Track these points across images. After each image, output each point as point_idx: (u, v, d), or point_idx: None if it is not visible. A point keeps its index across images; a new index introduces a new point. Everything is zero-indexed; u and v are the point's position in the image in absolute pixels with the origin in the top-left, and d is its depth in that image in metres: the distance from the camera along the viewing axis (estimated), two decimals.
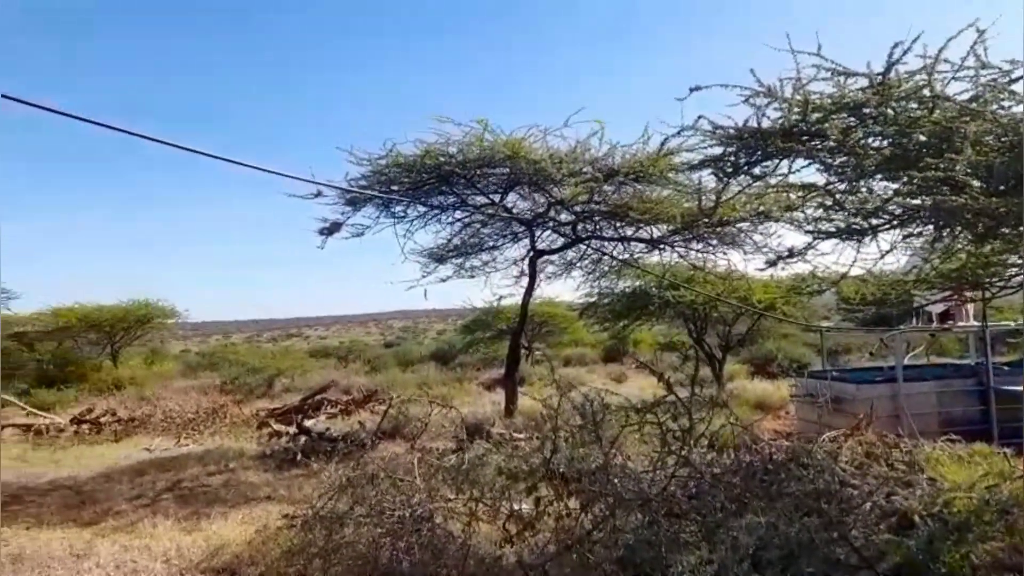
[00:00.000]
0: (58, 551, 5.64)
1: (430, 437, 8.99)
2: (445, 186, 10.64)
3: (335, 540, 4.68)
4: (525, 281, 12.03)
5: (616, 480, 4.41)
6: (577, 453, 4.77)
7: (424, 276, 12.00)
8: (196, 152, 5.27)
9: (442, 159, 9.77)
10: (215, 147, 5.36)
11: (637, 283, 14.85)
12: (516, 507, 4.64)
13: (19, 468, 9.76)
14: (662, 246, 11.54)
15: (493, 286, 13.32)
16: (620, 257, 12.37)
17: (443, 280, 12.31)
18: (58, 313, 21.31)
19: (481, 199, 11.20)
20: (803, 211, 5.90)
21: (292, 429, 10.79)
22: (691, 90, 5.09)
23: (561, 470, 4.78)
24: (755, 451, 5.30)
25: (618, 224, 11.39)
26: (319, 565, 4.59)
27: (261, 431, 12.06)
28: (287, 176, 7.91)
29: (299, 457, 9.33)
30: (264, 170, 6.62)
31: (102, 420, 13.27)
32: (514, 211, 11.35)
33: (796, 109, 5.05)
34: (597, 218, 11.33)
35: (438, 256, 12.14)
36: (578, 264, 13.14)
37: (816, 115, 4.98)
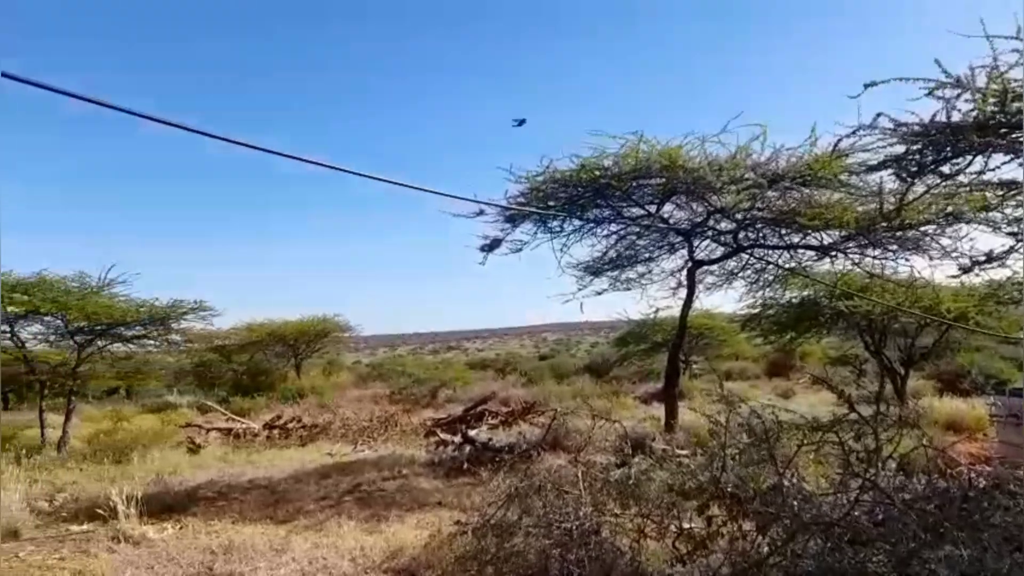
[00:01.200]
0: (260, 545, 6.25)
1: (590, 450, 9.00)
2: (600, 199, 10.68)
3: (506, 549, 4.82)
4: (683, 292, 11.78)
5: (794, 502, 4.20)
6: (748, 472, 4.61)
7: (580, 289, 12.09)
8: (368, 177, 5.69)
9: (597, 172, 9.83)
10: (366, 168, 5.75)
11: (805, 293, 14.01)
12: (686, 525, 4.55)
13: (223, 468, 10.91)
14: (833, 253, 10.84)
15: (649, 298, 13.15)
16: (786, 266, 11.77)
17: (598, 293, 12.34)
18: (251, 328, 23.67)
19: (637, 211, 11.12)
20: (1001, 211, 5.34)
21: (457, 438, 11.23)
22: (866, 86, 4.80)
23: (729, 489, 4.63)
24: (952, 476, 4.84)
25: (783, 231, 10.84)
26: (491, 573, 4.75)
27: (428, 439, 12.67)
28: (452, 197, 8.33)
29: (465, 466, 9.70)
30: (437, 192, 7.00)
31: (289, 426, 14.52)
32: (671, 221, 11.17)
33: (992, 99, 4.59)
34: (760, 225, 10.87)
35: (594, 269, 12.18)
36: (740, 274, 12.66)
37: (1017, 104, 4.50)
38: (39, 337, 13.98)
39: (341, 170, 5.39)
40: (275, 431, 14.41)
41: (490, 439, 11.30)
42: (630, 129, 9.80)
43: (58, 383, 14.31)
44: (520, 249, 11.35)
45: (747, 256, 11.87)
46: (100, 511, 7.04)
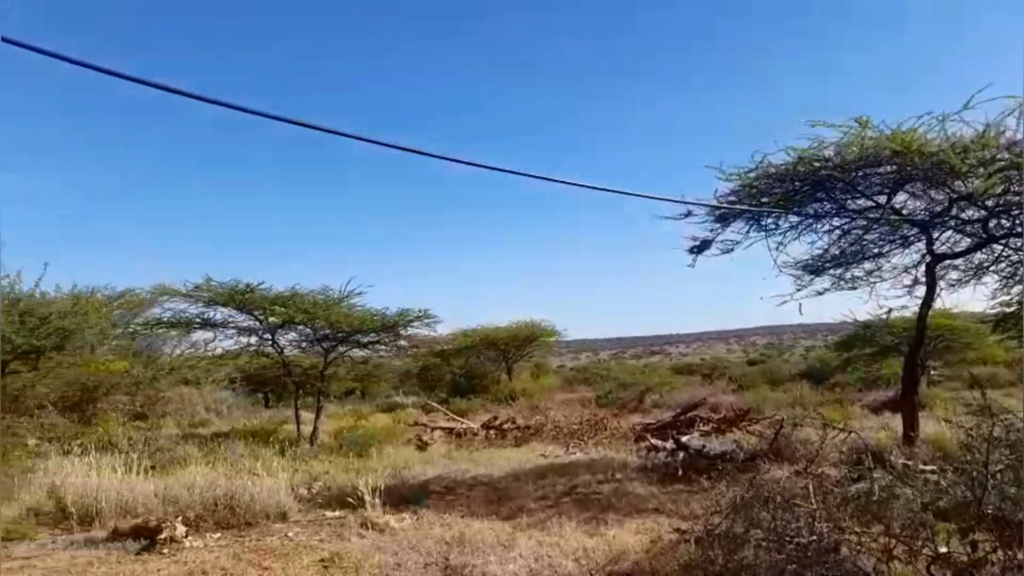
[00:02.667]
0: (489, 539, 6.64)
1: (816, 462, 8.44)
2: (821, 192, 9.99)
3: (735, 561, 4.68)
4: (920, 290, 10.63)
5: None
6: (1019, 493, 4.08)
7: (798, 290, 11.37)
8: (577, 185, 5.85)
9: (817, 164, 9.21)
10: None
11: None
12: (942, 549, 4.12)
13: (448, 464, 11.71)
14: None
15: (878, 297, 12.01)
16: None
17: (819, 293, 11.51)
18: (466, 334, 25.19)
19: (863, 202, 10.24)
20: None
21: (669, 444, 11.07)
22: None
23: (990, 511, 4.13)
24: None
25: None
26: None
27: (639, 444, 12.65)
28: (659, 199, 8.27)
29: (680, 472, 9.54)
30: (644, 196, 7.04)
31: (504, 427, 15.23)
32: (905, 212, 10.14)
33: None
34: (1016, 212, 9.51)
35: (814, 268, 11.39)
36: (991, 268, 11.15)
37: None
38: (293, 344, 16.00)
39: (544, 179, 5.60)
40: (492, 431, 15.20)
41: (703, 446, 11.00)
42: (846, 116, 9.06)
43: (309, 384, 16.26)
44: (731, 249, 10.94)
45: (1000, 247, 10.44)
46: (350, 500, 7.89)
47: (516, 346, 26.35)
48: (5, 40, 2.95)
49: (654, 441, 11.68)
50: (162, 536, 6.73)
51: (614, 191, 6.36)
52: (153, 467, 10.07)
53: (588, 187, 5.96)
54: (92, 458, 8.74)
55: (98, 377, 14.35)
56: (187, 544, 6.75)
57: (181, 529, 6.87)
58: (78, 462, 8.79)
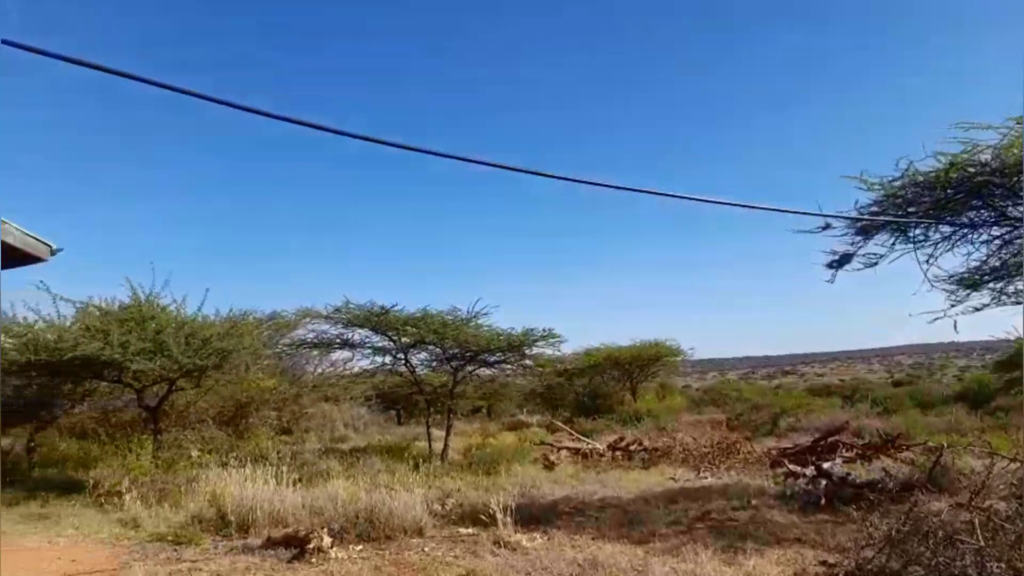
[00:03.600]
0: (621, 563, 6.56)
1: (982, 494, 7.71)
2: (976, 200, 9.21)
3: None
4: None
5: None
6: None
7: (952, 306, 10.48)
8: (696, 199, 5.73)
9: (972, 169, 8.52)
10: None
11: None
12: None
13: (576, 485, 11.68)
14: None
15: None
16: None
17: (977, 309, 10.56)
18: (589, 353, 25.09)
19: None
20: None
21: (809, 471, 10.50)
22: None
23: None
24: None
25: None
26: None
27: (775, 469, 12.08)
28: (795, 212, 7.94)
29: (823, 501, 9.03)
30: (778, 210, 6.80)
31: (631, 448, 15.01)
32: None
33: None
34: None
35: (970, 282, 10.48)
36: None
37: None
38: (424, 363, 16.60)
39: (653, 193, 5.53)
40: (618, 452, 15.02)
41: (848, 474, 10.34)
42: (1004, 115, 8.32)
43: (439, 402, 16.77)
44: (875, 263, 10.27)
45: None
46: (482, 517, 8.06)
47: (640, 365, 25.93)
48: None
49: (792, 467, 11.11)
50: (310, 546, 7.14)
51: (746, 206, 6.20)
52: (299, 479, 10.72)
53: (721, 203, 5.85)
54: (247, 470, 9.45)
55: (250, 394, 15.52)
56: (333, 555, 7.13)
57: (327, 540, 7.27)
58: (235, 473, 9.54)
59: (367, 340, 15.76)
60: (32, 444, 13.23)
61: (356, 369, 17.70)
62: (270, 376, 16.05)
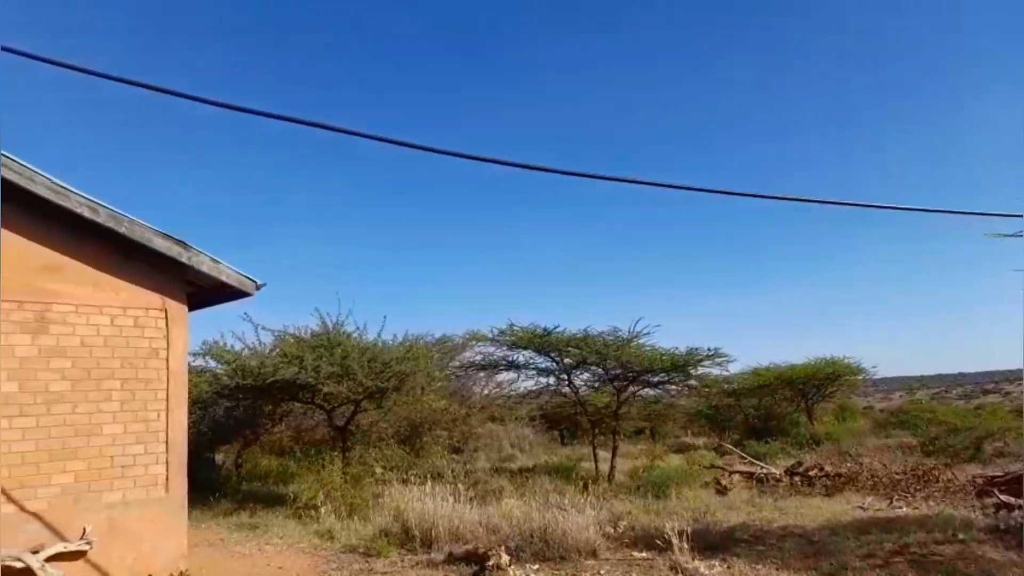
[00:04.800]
0: None
1: None
2: None
3: None
4: None
5: None
6: None
7: None
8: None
9: None
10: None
11: None
12: None
13: (751, 512, 11.18)
14: None
15: None
16: None
17: None
18: (757, 372, 23.91)
19: None
20: None
21: None
22: None
23: None
24: None
25: None
26: None
27: (982, 500, 10.88)
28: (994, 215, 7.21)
29: None
30: (974, 214, 6.22)
31: (811, 474, 14.10)
32: None
33: None
34: None
35: None
36: None
37: None
38: (587, 384, 16.68)
39: (824, 203, 5.21)
40: (796, 478, 14.17)
41: None
42: None
43: (603, 423, 16.75)
44: None
45: None
46: (657, 542, 7.94)
47: (816, 385, 24.30)
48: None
49: (1005, 498, 9.96)
50: (490, 563, 7.39)
51: (925, 210, 5.74)
52: (472, 497, 11.13)
53: (904, 209, 5.47)
54: (427, 487, 9.96)
55: (423, 414, 16.35)
56: (511, 573, 7.33)
57: (505, 558, 7.49)
58: (415, 489, 10.10)
59: (531, 361, 16.13)
60: (239, 460, 14.79)
61: (521, 390, 18.14)
62: (441, 397, 16.82)
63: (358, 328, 12.99)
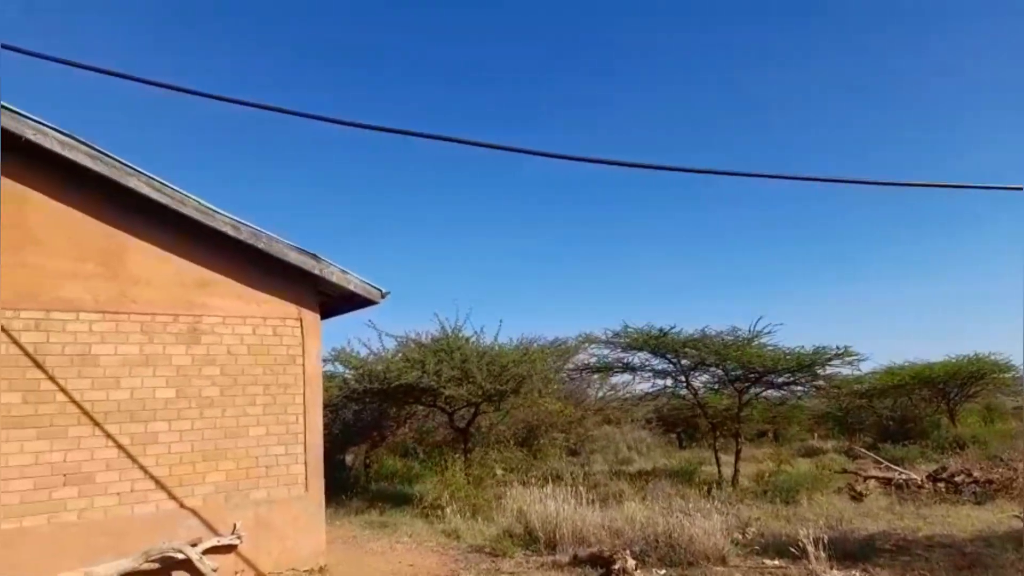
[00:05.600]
0: None
1: None
2: None
3: None
4: None
5: None
6: None
7: None
8: None
9: None
10: None
11: None
12: None
13: (892, 520, 10.51)
14: None
15: None
16: None
17: None
18: (891, 371, 22.43)
19: None
20: None
21: None
22: None
23: None
24: None
25: None
26: None
27: None
28: None
29: None
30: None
31: (957, 480, 13.08)
32: None
33: None
34: None
35: None
36: None
37: None
38: (706, 385, 16.24)
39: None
40: (940, 484, 13.18)
41: None
42: None
43: (725, 425, 16.26)
44: None
45: None
46: (791, 549, 7.61)
47: (959, 384, 22.47)
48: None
49: None
50: (616, 566, 7.35)
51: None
52: (593, 500, 11.10)
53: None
54: (548, 488, 10.03)
55: (540, 416, 16.48)
56: None
57: (631, 562, 7.42)
58: (536, 491, 10.19)
59: (647, 363, 15.88)
60: (368, 460, 15.47)
61: (637, 392, 17.91)
62: (556, 399, 16.89)
63: (476, 332, 13.30)
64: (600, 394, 19.89)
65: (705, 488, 12.49)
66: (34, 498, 6.19)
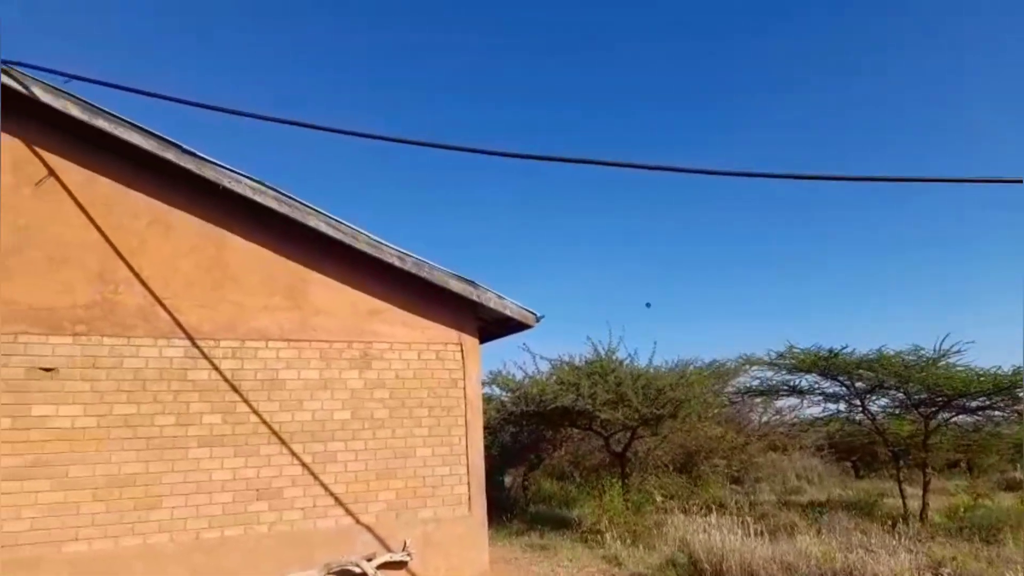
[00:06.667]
0: None
1: None
2: None
3: None
4: None
5: None
6: None
7: None
8: None
9: None
10: None
11: None
12: None
13: None
14: None
15: None
16: None
17: None
18: None
19: None
20: None
21: None
22: None
23: None
24: None
25: None
26: None
27: None
28: None
29: None
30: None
31: None
32: None
33: None
34: None
35: None
36: None
37: None
38: (885, 410, 14.92)
39: None
40: None
41: None
42: None
43: (910, 454, 14.83)
44: None
45: None
46: None
47: None
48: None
49: None
50: None
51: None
52: (761, 532, 10.50)
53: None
54: (712, 517, 9.63)
55: (699, 442, 15.90)
56: None
57: None
58: (699, 520, 9.81)
59: (816, 386, 14.87)
60: (526, 482, 15.66)
61: (805, 417, 16.80)
62: (716, 424, 16.24)
63: (630, 355, 13.14)
64: (764, 419, 18.84)
65: (888, 522, 11.43)
66: (233, 510, 6.84)
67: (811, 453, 20.49)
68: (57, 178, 6.56)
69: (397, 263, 7.69)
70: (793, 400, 16.42)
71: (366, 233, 7.53)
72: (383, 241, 7.62)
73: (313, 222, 7.27)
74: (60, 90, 6.32)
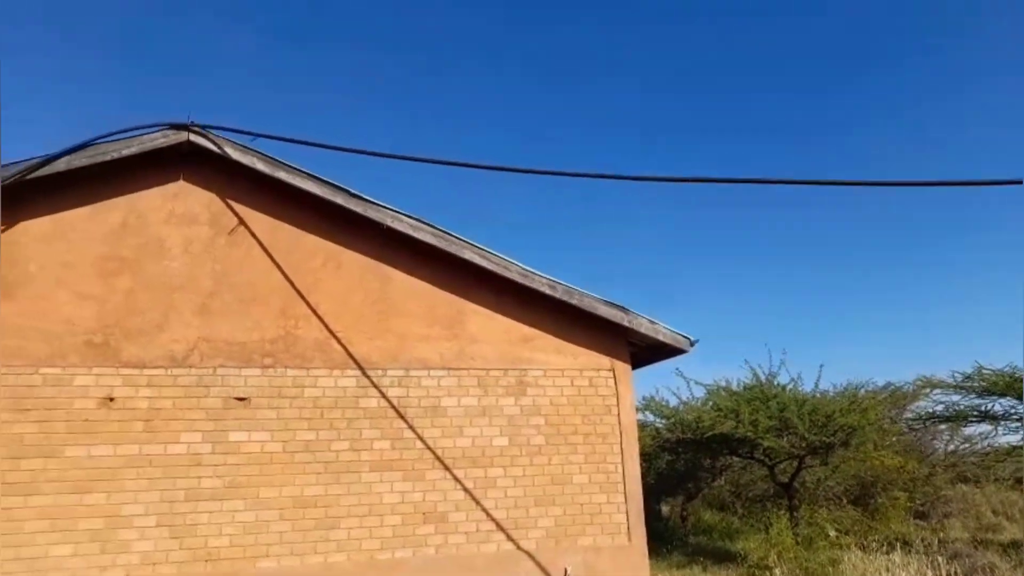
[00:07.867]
0: None
1: None
2: None
3: None
4: None
5: None
6: None
7: None
8: None
9: None
10: None
11: None
12: None
13: None
14: None
15: None
16: None
17: None
18: None
19: None
20: None
21: None
22: None
23: None
24: None
25: None
26: None
27: None
28: None
29: None
30: None
31: None
32: None
33: None
34: None
35: None
36: None
37: None
38: None
39: None
40: None
41: None
42: None
43: None
44: None
45: None
46: None
47: None
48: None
49: None
50: None
51: None
52: (955, 573, 9.48)
53: None
54: (896, 556, 8.83)
55: (875, 472, 14.66)
56: None
57: None
58: (882, 558, 9.02)
59: (1012, 410, 13.30)
60: (684, 512, 15.14)
61: (1001, 445, 14.98)
62: (894, 453, 14.90)
63: (792, 379, 12.41)
64: (951, 447, 17.03)
65: None
66: (402, 532, 7.16)
67: (1009, 486, 18.22)
68: (247, 227, 7.32)
69: (548, 291, 7.81)
70: (985, 427, 14.73)
71: (517, 263, 7.73)
72: (533, 270, 7.79)
73: (468, 255, 7.58)
74: (247, 147, 7.09)
